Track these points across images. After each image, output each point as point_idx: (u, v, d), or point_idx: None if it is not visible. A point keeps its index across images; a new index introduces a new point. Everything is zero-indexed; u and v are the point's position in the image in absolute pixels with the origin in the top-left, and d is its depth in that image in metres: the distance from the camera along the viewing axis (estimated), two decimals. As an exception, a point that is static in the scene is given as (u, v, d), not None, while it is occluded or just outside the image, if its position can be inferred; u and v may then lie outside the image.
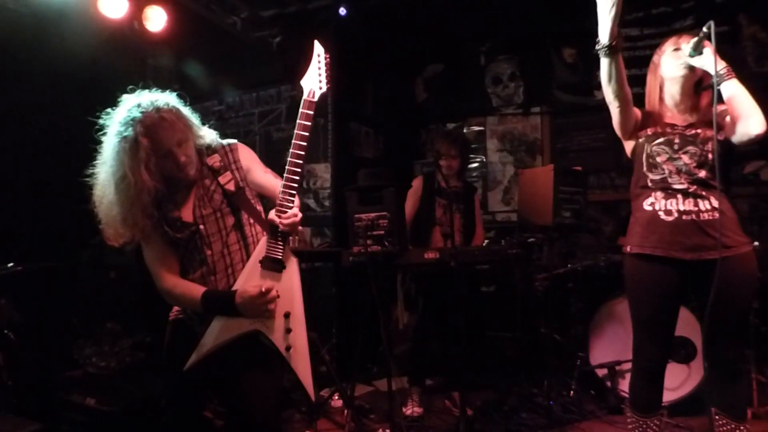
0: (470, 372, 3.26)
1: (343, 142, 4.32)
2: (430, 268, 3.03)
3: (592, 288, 3.35)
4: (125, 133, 1.54)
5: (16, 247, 2.92)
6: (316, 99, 1.67)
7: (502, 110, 4.79)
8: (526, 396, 3.07)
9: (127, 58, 3.63)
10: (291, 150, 1.63)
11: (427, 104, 5.14)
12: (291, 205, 1.62)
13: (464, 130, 4.93)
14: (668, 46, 1.93)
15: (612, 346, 3.07)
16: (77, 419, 2.70)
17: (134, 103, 1.59)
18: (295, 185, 1.63)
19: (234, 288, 1.61)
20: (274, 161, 4.54)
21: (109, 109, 1.64)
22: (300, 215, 1.64)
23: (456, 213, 3.21)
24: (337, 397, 3.29)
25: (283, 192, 1.62)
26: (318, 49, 1.72)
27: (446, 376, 3.52)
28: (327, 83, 1.69)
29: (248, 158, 1.75)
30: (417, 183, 3.40)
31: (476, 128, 4.89)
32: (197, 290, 1.60)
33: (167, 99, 1.63)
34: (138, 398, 2.92)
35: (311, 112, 1.66)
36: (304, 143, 1.64)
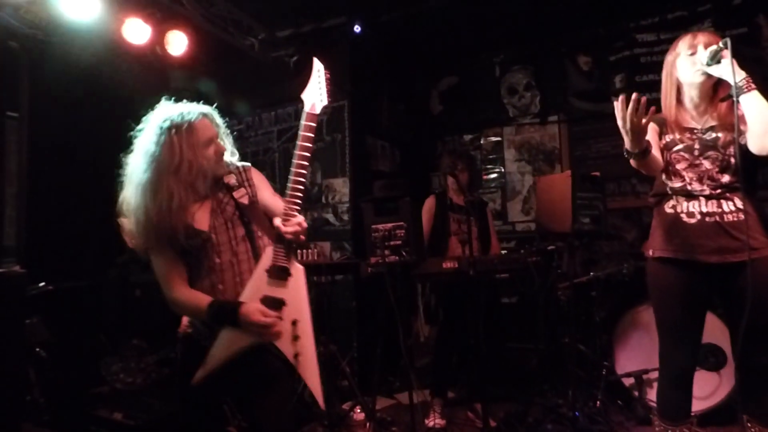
0: (492, 384, 3.21)
1: (360, 156, 4.37)
2: (449, 278, 3.03)
3: (616, 296, 3.28)
4: (174, 121, 1.63)
5: (47, 268, 3.02)
6: (317, 112, 1.74)
7: (518, 120, 4.78)
8: (551, 407, 3.00)
9: (150, 82, 3.78)
10: (294, 160, 1.67)
11: (442, 117, 5.17)
12: (295, 213, 1.65)
13: (481, 142, 4.93)
14: (682, 47, 1.87)
15: (638, 355, 2.99)
16: (104, 433, 2.75)
17: (172, 107, 1.70)
18: (300, 194, 1.66)
19: (241, 299, 1.61)
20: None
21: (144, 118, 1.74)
22: (305, 224, 1.65)
23: (473, 224, 3.21)
24: (359, 410, 3.27)
25: (287, 200, 1.66)
26: (317, 65, 1.78)
27: (468, 388, 3.47)
28: (327, 97, 1.75)
29: (259, 179, 1.83)
30: (430, 201, 3.44)
31: (493, 139, 4.89)
32: (204, 300, 1.60)
33: (206, 107, 1.76)
34: (163, 413, 2.98)
35: (313, 124, 1.72)
36: (308, 154, 1.69)
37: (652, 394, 2.84)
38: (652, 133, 1.92)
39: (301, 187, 1.67)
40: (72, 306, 3.39)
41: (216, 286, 1.65)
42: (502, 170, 4.82)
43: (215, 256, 1.65)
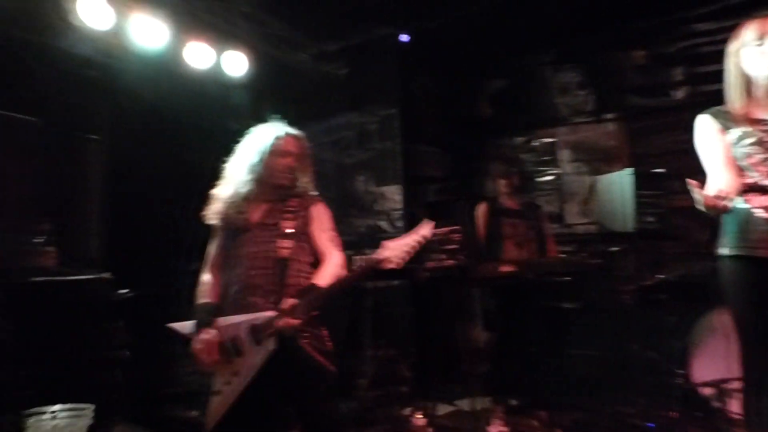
0: (557, 391, 3.12)
1: (411, 163, 4.40)
2: (507, 281, 2.99)
3: (688, 299, 3.11)
4: (267, 133, 1.98)
5: (127, 276, 3.25)
6: (380, 266, 1.81)
7: (572, 120, 4.65)
8: (621, 417, 2.87)
9: (212, 101, 3.99)
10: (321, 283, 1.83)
11: (492, 120, 5.11)
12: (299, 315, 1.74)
13: (533, 144, 4.84)
14: (749, 36, 1.76)
15: (716, 363, 2.79)
16: (181, 430, 2.91)
17: (270, 125, 2.02)
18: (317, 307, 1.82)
19: (221, 320, 1.84)
20: (347, 186, 4.73)
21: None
22: (294, 323, 1.74)
23: (527, 227, 3.17)
24: (419, 416, 3.26)
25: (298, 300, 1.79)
26: (426, 227, 1.86)
27: (532, 395, 3.39)
28: (402, 263, 1.79)
29: (320, 214, 2.00)
30: (482, 207, 3.42)
31: (546, 140, 4.78)
32: (204, 294, 1.94)
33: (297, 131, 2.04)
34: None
35: (362, 274, 1.89)
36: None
37: (734, 407, 2.66)
38: (714, 133, 1.83)
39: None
40: (150, 311, 3.61)
41: (239, 275, 1.87)
42: (557, 172, 4.70)
43: (250, 245, 1.89)
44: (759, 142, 1.75)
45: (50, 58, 2.98)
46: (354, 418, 3.07)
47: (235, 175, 1.97)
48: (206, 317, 1.87)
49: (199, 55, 3.42)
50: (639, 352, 2.81)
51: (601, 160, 4.48)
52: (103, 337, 2.72)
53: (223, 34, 3.54)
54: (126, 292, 3.07)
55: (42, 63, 2.84)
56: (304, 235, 1.94)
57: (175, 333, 1.96)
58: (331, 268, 1.89)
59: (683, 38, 4.03)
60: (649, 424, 2.67)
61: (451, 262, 2.85)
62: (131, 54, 3.15)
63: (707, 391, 2.83)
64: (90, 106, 3.19)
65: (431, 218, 3.10)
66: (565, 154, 4.67)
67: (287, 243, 1.87)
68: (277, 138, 1.95)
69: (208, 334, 1.81)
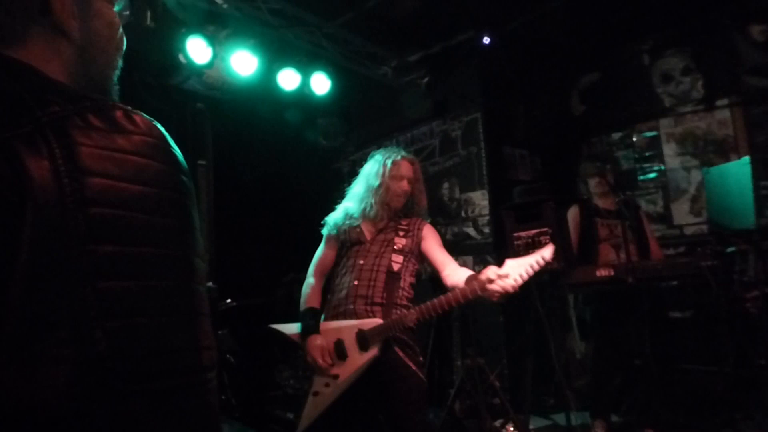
0: (666, 409, 2.82)
1: (497, 167, 4.30)
2: (604, 287, 2.78)
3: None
4: (386, 156, 2.15)
5: (232, 288, 3.56)
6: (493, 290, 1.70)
7: (677, 110, 4.24)
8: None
9: (300, 119, 4.26)
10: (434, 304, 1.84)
11: (585, 117, 4.83)
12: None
13: (633, 139, 4.48)
14: None
15: None
16: (279, 430, 3.10)
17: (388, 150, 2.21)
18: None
19: (325, 326, 1.94)
20: (432, 194, 4.75)
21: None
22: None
23: (625, 228, 2.92)
24: (511, 428, 3.14)
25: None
26: (547, 251, 1.74)
27: (638, 413, 3.10)
28: (518, 285, 1.68)
29: (430, 233, 2.11)
30: (573, 210, 3.22)
31: (648, 134, 4.40)
32: (309, 301, 2.02)
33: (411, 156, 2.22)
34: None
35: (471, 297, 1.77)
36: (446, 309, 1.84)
37: None
38: None
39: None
40: (252, 320, 3.91)
41: (351, 282, 1.97)
42: (662, 167, 4.29)
43: (360, 259, 2.01)
44: None
45: (165, 94, 3.40)
46: (443, 428, 3.03)
47: (359, 195, 2.13)
48: (314, 323, 1.96)
49: (288, 79, 3.67)
50: (764, 367, 2.45)
51: (714, 152, 4.02)
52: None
53: (308, 55, 3.77)
54: (230, 302, 3.35)
55: (158, 99, 3.25)
56: (412, 254, 2.06)
57: (278, 333, 2.09)
58: (461, 271, 1.91)
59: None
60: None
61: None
62: (231, 84, 3.48)
63: None
64: (197, 134, 3.58)
65: (519, 221, 3.01)
66: (670, 148, 4.26)
67: (399, 258, 2.00)
68: (395, 163, 2.10)
69: (321, 339, 1.90)
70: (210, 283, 3.25)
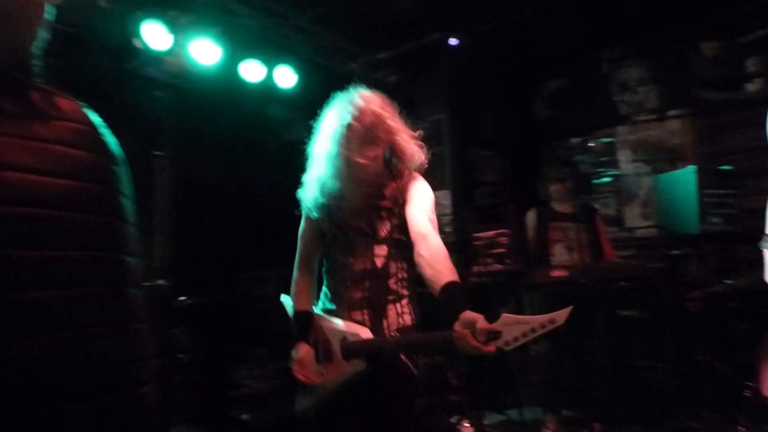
0: (614, 403, 2.96)
1: (461, 168, 4.36)
2: (559, 287, 2.88)
3: (759, 307, 2.85)
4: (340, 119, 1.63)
5: (189, 285, 3.46)
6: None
7: (633, 118, 4.43)
8: (684, 431, 2.68)
9: (264, 112, 4.18)
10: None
11: (548, 121, 4.97)
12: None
13: (591, 144, 4.64)
14: None
15: (794, 376, 2.54)
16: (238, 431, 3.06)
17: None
18: None
19: (317, 316, 1.69)
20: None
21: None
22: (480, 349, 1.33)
23: (581, 231, 3.05)
24: (467, 425, 3.21)
25: None
26: (561, 316, 1.36)
27: (587, 407, 3.23)
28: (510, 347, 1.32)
29: (416, 194, 1.65)
30: (531, 213, 3.32)
31: (605, 140, 4.57)
32: (297, 303, 1.71)
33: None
34: (285, 415, 3.22)
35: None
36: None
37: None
38: None
39: None
40: (208, 318, 3.82)
41: (345, 282, 1.68)
42: (617, 173, 4.47)
43: (341, 255, 1.69)
44: None
45: (119, 80, 3.26)
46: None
47: (324, 169, 1.66)
48: (300, 330, 1.68)
49: (252, 71, 3.60)
50: (705, 363, 2.60)
51: (664, 160, 4.23)
52: (163, 341, 2.89)
53: (275, 47, 3.71)
54: (185, 299, 3.26)
55: (112, 85, 3.12)
56: (398, 235, 1.64)
57: (284, 309, 1.82)
58: (439, 264, 1.50)
59: (758, 27, 3.73)
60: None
61: (498, 266, 2.79)
62: (192, 73, 3.38)
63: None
64: (155, 124, 3.46)
65: (481, 222, 3.08)
66: (624, 155, 4.45)
67: (382, 250, 1.64)
68: (350, 126, 1.58)
69: (304, 352, 1.65)
70: (162, 281, 3.15)
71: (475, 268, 2.84)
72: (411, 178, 1.68)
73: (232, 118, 3.86)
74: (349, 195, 1.64)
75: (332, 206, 1.69)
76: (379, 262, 1.64)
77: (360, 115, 1.59)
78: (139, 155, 3.55)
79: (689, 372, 2.91)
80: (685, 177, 2.74)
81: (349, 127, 1.59)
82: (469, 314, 1.33)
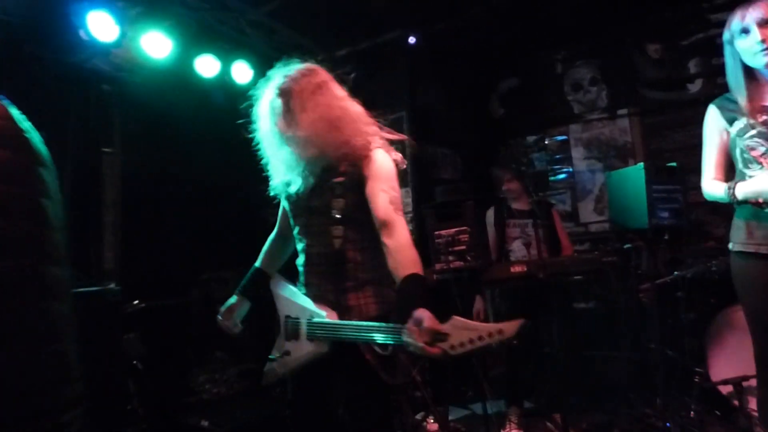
0: (573, 393, 3.05)
1: (421, 165, 4.38)
2: (518, 282, 2.93)
3: (705, 296, 3.01)
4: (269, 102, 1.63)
5: (142, 288, 3.30)
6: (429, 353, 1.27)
7: (585, 117, 4.58)
8: (638, 417, 2.79)
9: (219, 108, 4.05)
10: None
11: (504, 120, 5.07)
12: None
13: (546, 142, 4.77)
14: (736, 27, 1.72)
15: (736, 360, 2.70)
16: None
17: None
18: None
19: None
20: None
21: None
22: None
23: (538, 227, 3.12)
24: (431, 421, 3.23)
25: None
26: (510, 327, 1.27)
27: (547, 398, 3.32)
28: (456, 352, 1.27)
29: (372, 170, 1.54)
30: (489, 212, 3.38)
31: (559, 138, 4.71)
32: (257, 261, 1.81)
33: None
34: (245, 420, 3.13)
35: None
36: None
37: (754, 403, 2.56)
38: (714, 128, 1.84)
39: None
40: (164, 322, 3.67)
41: (304, 265, 1.66)
42: (571, 170, 4.62)
43: (305, 237, 1.67)
44: (760, 135, 1.70)
45: (63, 73, 3.06)
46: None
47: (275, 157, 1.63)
48: (245, 283, 1.78)
49: (207, 65, 3.48)
50: (657, 351, 2.72)
51: (615, 157, 4.40)
52: (114, 348, 2.75)
53: (230, 42, 3.60)
54: (138, 303, 3.11)
55: (55, 78, 2.92)
56: (356, 212, 1.54)
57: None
58: (400, 255, 1.43)
59: (699, 30, 3.94)
60: (667, 424, 2.58)
61: (459, 263, 2.81)
62: (141, 67, 3.22)
63: (726, 389, 2.73)
64: (102, 119, 3.27)
65: (440, 219, 3.09)
66: (578, 152, 4.60)
67: (338, 230, 1.54)
68: (273, 107, 1.58)
69: (234, 302, 1.77)
70: (112, 284, 3.00)
71: (437, 266, 2.85)
72: (366, 151, 1.57)
73: (186, 114, 3.71)
74: (299, 172, 1.58)
75: (287, 186, 1.64)
76: (336, 244, 1.54)
77: (284, 87, 1.57)
78: (87, 152, 3.37)
79: (643, 360, 3.05)
80: (635, 174, 2.84)
81: (274, 101, 1.57)
82: (420, 312, 1.28)
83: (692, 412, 2.73)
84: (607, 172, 4.34)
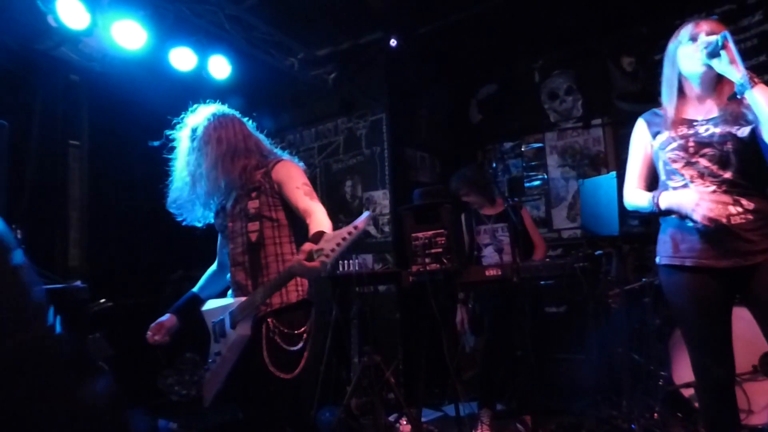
0: (543, 395, 3.10)
1: (399, 168, 4.40)
2: (493, 285, 2.97)
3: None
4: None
5: (109, 286, 3.20)
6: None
7: (560, 125, 4.68)
8: (605, 419, 2.86)
9: (195, 103, 3.96)
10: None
11: (482, 125, 5.14)
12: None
13: (522, 149, 4.85)
14: (684, 36, 1.77)
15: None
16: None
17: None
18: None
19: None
20: (335, 191, 4.70)
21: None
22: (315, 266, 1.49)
23: (511, 231, 3.17)
24: (404, 422, 3.23)
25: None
26: (362, 221, 1.48)
27: (517, 400, 3.37)
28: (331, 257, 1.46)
29: (282, 176, 1.83)
30: (465, 213, 3.43)
31: (535, 145, 4.80)
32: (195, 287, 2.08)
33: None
34: (215, 423, 3.07)
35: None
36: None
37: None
38: (640, 142, 1.91)
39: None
40: (131, 322, 3.57)
41: (231, 272, 1.91)
42: (545, 177, 4.71)
43: (230, 242, 1.91)
44: (680, 147, 1.75)
45: (30, 61, 2.95)
46: (340, 426, 3.03)
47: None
48: (178, 304, 2.08)
49: (182, 58, 3.40)
50: (623, 355, 2.79)
51: (588, 166, 4.51)
52: (78, 350, 2.65)
53: (208, 36, 3.52)
54: (104, 302, 3.02)
55: (21, 66, 2.81)
56: (269, 210, 1.82)
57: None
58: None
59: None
60: (632, 426, 2.65)
61: (435, 266, 2.82)
62: (113, 57, 3.12)
63: (688, 392, 2.83)
64: (70, 110, 3.16)
65: (418, 222, 3.10)
66: (553, 160, 4.69)
67: (255, 225, 1.81)
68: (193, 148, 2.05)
69: (165, 319, 2.04)
70: (78, 282, 2.90)
71: (414, 268, 2.86)
72: (272, 164, 1.87)
73: (158, 108, 3.62)
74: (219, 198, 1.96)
75: (213, 212, 2.00)
76: (253, 237, 1.79)
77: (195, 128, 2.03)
78: (53, 145, 3.24)
79: (610, 363, 3.12)
80: (607, 182, 2.92)
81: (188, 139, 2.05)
82: (305, 245, 1.51)
83: (656, 414, 2.81)
84: (580, 180, 4.44)
